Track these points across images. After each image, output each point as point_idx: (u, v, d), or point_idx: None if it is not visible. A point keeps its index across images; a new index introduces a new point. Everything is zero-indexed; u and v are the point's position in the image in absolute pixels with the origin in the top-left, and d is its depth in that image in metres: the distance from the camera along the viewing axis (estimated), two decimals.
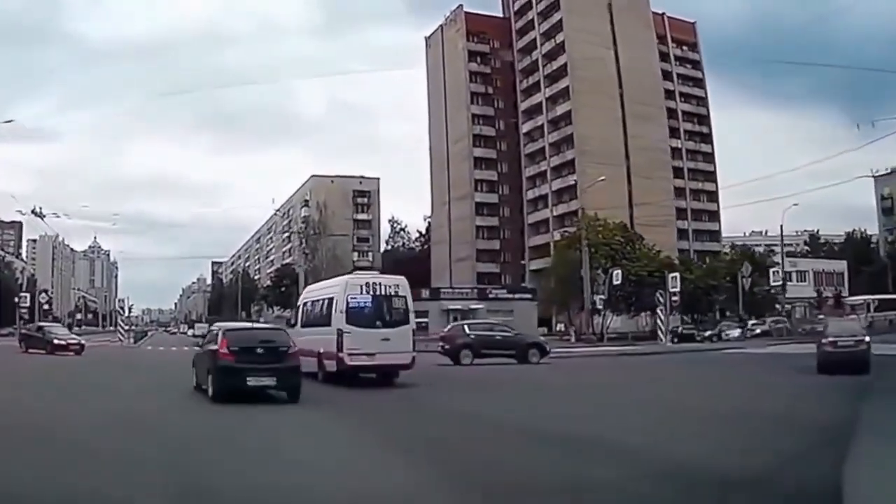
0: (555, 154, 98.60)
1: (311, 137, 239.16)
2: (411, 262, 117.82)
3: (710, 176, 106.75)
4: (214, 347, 18.46)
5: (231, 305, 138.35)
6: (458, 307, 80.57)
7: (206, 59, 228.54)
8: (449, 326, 38.56)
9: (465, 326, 37.33)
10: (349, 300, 22.41)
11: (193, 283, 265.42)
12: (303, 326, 25.68)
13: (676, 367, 34.77)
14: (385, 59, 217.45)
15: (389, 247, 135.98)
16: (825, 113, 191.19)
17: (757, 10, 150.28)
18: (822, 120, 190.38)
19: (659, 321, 52.22)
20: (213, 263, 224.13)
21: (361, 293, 22.64)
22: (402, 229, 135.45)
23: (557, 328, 73.61)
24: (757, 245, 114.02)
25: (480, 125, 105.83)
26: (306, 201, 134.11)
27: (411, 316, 23.37)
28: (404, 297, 23.22)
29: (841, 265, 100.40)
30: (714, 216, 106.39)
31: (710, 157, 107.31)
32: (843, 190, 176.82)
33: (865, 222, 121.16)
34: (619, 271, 64.94)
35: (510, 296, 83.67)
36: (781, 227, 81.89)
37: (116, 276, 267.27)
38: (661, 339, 51.39)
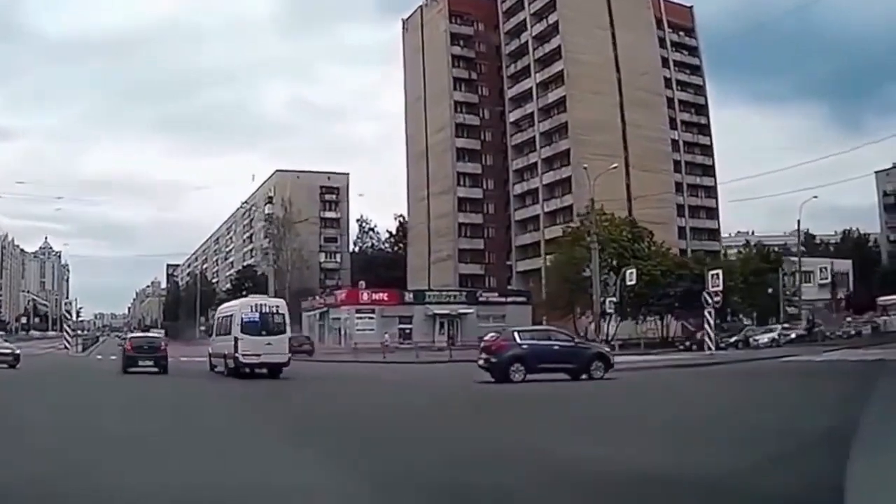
0: (546, 144, 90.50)
1: (277, 139, 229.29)
2: (383, 263, 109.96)
3: (709, 170, 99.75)
4: (125, 345, 35.85)
5: (188, 310, 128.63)
6: (446, 312, 72.59)
7: (167, 58, 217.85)
8: (491, 334, 31.16)
9: (516, 334, 29.44)
10: (243, 316, 29.99)
11: (147, 286, 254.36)
12: (216, 336, 34.36)
13: (763, 381, 27.83)
14: (354, 59, 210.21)
15: (357, 248, 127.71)
16: (810, 111, 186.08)
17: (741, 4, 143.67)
18: (808, 119, 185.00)
19: (707, 326, 44.48)
20: (168, 266, 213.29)
21: (252, 311, 30.28)
22: (371, 229, 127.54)
23: None
24: (740, 245, 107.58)
25: (463, 114, 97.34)
26: (270, 198, 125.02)
27: (287, 328, 31.00)
28: (283, 314, 30.84)
29: (845, 265, 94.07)
30: (712, 213, 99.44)
31: (708, 150, 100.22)
32: (830, 190, 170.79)
33: (855, 221, 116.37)
34: (634, 271, 57.45)
35: (502, 299, 75.88)
36: (799, 222, 76.48)
37: (68, 279, 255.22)
38: (709, 347, 43.52)
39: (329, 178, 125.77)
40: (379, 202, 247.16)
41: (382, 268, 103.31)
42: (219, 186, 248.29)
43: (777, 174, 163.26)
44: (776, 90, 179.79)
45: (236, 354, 29.14)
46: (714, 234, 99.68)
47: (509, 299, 75.41)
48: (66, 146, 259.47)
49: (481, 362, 28.75)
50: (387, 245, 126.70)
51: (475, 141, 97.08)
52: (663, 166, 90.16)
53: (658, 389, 26.46)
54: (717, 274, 46.63)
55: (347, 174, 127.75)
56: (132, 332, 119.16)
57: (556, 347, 28.78)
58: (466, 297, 75.31)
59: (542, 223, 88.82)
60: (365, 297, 71.71)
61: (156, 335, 39.96)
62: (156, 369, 32.03)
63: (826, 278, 57.24)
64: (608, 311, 58.81)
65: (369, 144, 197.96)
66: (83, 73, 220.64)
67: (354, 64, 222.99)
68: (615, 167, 65.32)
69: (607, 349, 33.72)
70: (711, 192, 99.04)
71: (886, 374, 25.22)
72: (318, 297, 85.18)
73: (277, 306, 31.32)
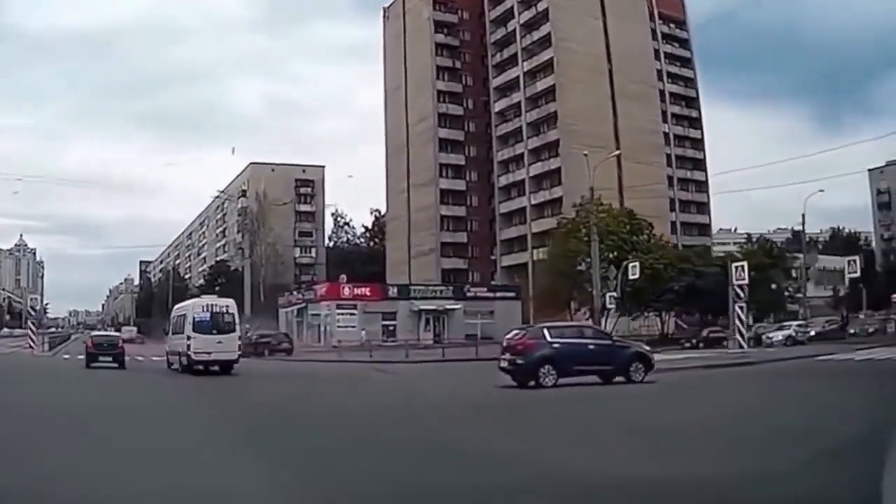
0: (534, 135, 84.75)
1: (252, 136, 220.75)
2: (360, 258, 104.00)
3: (700, 164, 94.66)
4: (87, 342, 38.84)
5: (160, 306, 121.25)
6: (432, 307, 66.61)
7: (143, 55, 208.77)
8: (514, 331, 25.56)
9: (546, 331, 24.13)
10: (195, 316, 30.98)
11: (121, 283, 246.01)
12: (172, 334, 35.09)
13: (821, 382, 23.15)
14: (330, 56, 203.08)
15: (332, 243, 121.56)
16: (797, 109, 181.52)
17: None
18: (795, 117, 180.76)
19: (738, 322, 39.03)
20: (142, 262, 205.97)
21: (203, 311, 31.36)
22: (347, 224, 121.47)
23: None
24: (723, 243, 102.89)
25: (446, 103, 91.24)
26: (244, 191, 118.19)
27: (237, 326, 31.76)
28: (232, 313, 31.74)
29: (840, 262, 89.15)
30: (703, 208, 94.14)
31: (699, 144, 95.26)
32: (815, 187, 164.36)
33: (842, 220, 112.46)
34: (637, 264, 52.41)
35: (490, 294, 70.05)
36: (803, 216, 70.45)
37: (42, 276, 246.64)
38: (741, 345, 37.99)
39: (304, 170, 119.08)
40: (354, 197, 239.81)
41: (359, 263, 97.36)
42: (194, 183, 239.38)
43: (761, 171, 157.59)
44: (762, 87, 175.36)
45: (189, 352, 29.79)
46: (705, 229, 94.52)
47: (498, 294, 69.66)
48: (42, 144, 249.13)
49: (504, 364, 23.44)
50: (362, 240, 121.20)
51: (458, 131, 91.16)
52: (655, 159, 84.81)
53: (711, 393, 21.85)
54: (743, 266, 41.26)
55: (323, 167, 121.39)
56: (106, 329, 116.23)
57: (591, 347, 23.74)
58: (453, 292, 69.44)
59: (529, 216, 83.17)
60: (346, 291, 65.48)
61: (115, 334, 43.84)
62: (115, 364, 34.46)
63: (855, 272, 51.85)
64: (608, 306, 53.55)
65: (344, 140, 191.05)
66: (58, 70, 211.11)
67: (331, 61, 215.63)
68: (618, 153, 59.86)
69: (647, 348, 28.06)
70: (702, 186, 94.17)
71: None
72: (295, 293, 78.85)
73: (227, 306, 32.08)
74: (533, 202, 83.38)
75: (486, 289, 72.07)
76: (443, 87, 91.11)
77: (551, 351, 22.52)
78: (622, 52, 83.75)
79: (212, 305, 31.98)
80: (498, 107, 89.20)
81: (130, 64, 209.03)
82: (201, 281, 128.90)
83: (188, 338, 30.08)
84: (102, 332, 48.77)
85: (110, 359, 34.62)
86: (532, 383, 22.03)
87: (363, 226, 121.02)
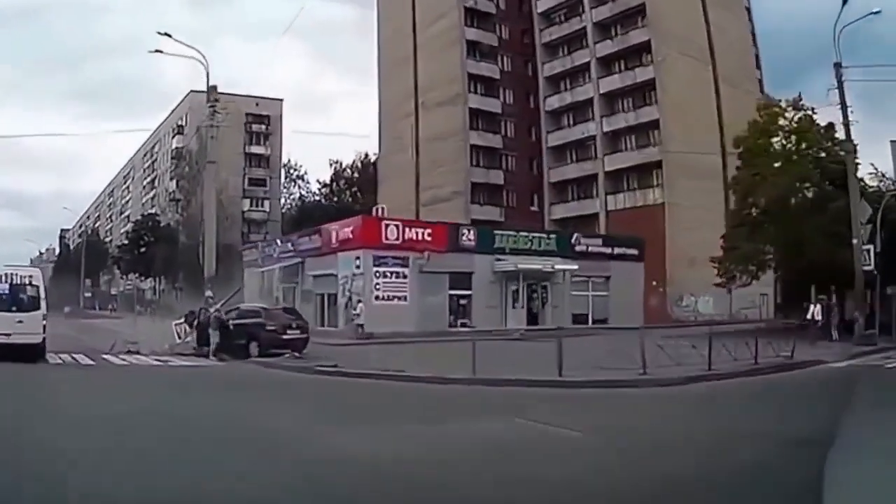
0: (605, 38, 52.34)
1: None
2: (328, 213, 69.96)
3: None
4: None
5: (75, 274, 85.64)
6: (536, 268, 33.46)
7: (74, 27, 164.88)
8: None
9: None
10: None
11: (42, 252, 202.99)
12: None
13: None
14: (259, 33, 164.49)
15: (283, 199, 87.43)
16: None
17: None
18: None
19: None
20: (62, 230, 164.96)
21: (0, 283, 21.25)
22: (301, 177, 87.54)
23: (809, 315, 27.70)
24: None
25: None
26: (180, 127, 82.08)
27: (42, 303, 20.85)
28: (37, 286, 21.36)
29: None
30: None
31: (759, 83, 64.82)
32: None
33: None
34: None
35: (607, 250, 37.44)
36: None
37: None
38: None
39: (258, 103, 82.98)
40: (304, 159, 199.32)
41: (329, 220, 63.52)
42: (123, 159, 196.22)
43: None
44: None
45: None
46: None
47: (616, 252, 36.94)
48: None
49: None
50: (318, 197, 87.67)
51: (490, 34, 57.42)
52: (751, 87, 53.68)
53: None
54: None
55: (281, 100, 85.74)
56: None
57: None
58: (558, 244, 35.95)
59: (602, 148, 50.96)
60: (391, 233, 31.31)
61: None
62: None
63: None
64: (865, 268, 25.77)
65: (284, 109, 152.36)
66: None
67: (260, 36, 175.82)
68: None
69: None
70: None
71: None
72: (279, 242, 43.53)
73: (31, 276, 21.41)
74: (605, 129, 51.23)
75: (600, 241, 38.66)
76: None
77: None
78: None
79: (11, 276, 20.56)
80: (542, 5, 56.34)
81: (54, 37, 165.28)
82: (124, 241, 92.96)
83: None
84: None
85: None
86: None
87: (318, 181, 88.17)
